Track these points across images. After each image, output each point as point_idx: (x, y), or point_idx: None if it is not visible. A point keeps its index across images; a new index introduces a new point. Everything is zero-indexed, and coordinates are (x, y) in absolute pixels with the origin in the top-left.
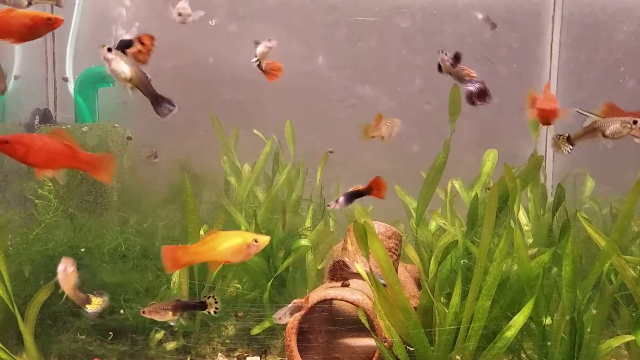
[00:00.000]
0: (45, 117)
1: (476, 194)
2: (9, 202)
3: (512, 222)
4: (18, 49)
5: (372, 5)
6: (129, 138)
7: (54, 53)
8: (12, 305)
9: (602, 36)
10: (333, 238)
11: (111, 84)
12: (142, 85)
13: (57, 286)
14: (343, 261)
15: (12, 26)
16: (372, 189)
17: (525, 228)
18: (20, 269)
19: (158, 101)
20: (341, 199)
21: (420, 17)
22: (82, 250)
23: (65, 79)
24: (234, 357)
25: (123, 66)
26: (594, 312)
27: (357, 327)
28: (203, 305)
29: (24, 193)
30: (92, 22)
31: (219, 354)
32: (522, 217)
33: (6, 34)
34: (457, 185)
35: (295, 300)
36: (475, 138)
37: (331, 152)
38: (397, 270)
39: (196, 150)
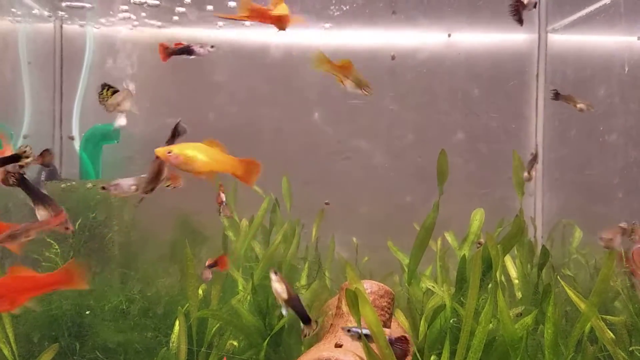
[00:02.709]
0: (51, 173)
1: (464, 255)
2: (16, 259)
3: (497, 284)
4: (28, 110)
5: (366, 65)
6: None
7: (61, 111)
8: None
9: (582, 94)
10: (329, 293)
11: (115, 141)
12: None
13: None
14: None
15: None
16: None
17: (516, 282)
18: (25, 330)
19: None
20: None
21: (411, 76)
22: (87, 312)
23: (72, 138)
24: None
25: None
26: None
27: None
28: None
29: (29, 254)
30: (98, 82)
31: None
32: (512, 270)
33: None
34: (449, 239)
35: None
36: (466, 187)
37: (327, 203)
38: (390, 328)
39: (197, 204)
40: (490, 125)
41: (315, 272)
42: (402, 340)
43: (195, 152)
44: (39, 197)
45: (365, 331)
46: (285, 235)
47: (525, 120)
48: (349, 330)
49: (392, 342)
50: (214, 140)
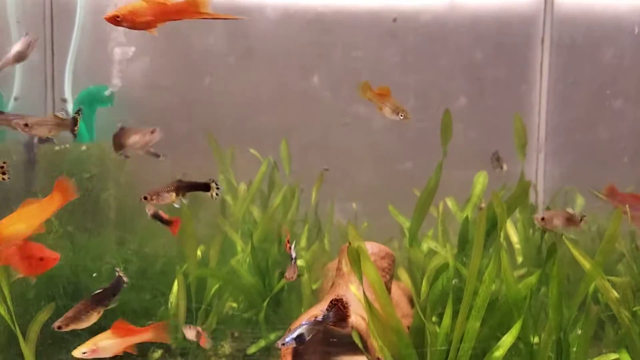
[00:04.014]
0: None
1: (467, 216)
2: None
3: (501, 244)
4: (18, 71)
5: (366, 31)
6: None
7: (53, 73)
8: (14, 325)
9: (588, 60)
10: (328, 257)
11: (109, 104)
12: None
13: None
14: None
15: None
16: None
17: (517, 246)
18: (22, 289)
19: None
20: None
21: (413, 39)
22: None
23: (64, 100)
24: None
25: None
26: (579, 332)
27: (351, 347)
28: (206, 187)
29: None
30: (91, 42)
31: None
32: (513, 235)
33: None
34: (450, 205)
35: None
36: (468, 154)
37: (326, 169)
38: (390, 290)
39: (194, 168)
40: (494, 90)
41: (314, 235)
42: (337, 302)
43: (15, 229)
44: None
45: (295, 334)
46: (284, 198)
47: (529, 84)
48: (283, 344)
49: (329, 311)
50: (25, 202)
